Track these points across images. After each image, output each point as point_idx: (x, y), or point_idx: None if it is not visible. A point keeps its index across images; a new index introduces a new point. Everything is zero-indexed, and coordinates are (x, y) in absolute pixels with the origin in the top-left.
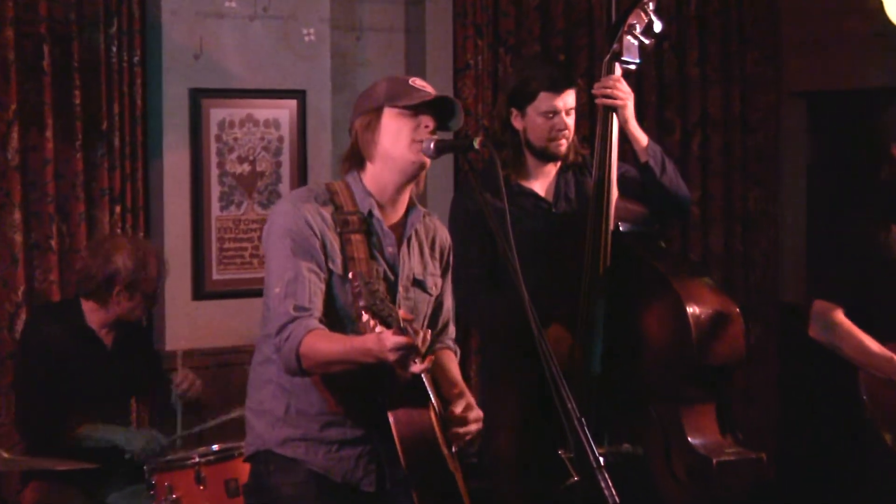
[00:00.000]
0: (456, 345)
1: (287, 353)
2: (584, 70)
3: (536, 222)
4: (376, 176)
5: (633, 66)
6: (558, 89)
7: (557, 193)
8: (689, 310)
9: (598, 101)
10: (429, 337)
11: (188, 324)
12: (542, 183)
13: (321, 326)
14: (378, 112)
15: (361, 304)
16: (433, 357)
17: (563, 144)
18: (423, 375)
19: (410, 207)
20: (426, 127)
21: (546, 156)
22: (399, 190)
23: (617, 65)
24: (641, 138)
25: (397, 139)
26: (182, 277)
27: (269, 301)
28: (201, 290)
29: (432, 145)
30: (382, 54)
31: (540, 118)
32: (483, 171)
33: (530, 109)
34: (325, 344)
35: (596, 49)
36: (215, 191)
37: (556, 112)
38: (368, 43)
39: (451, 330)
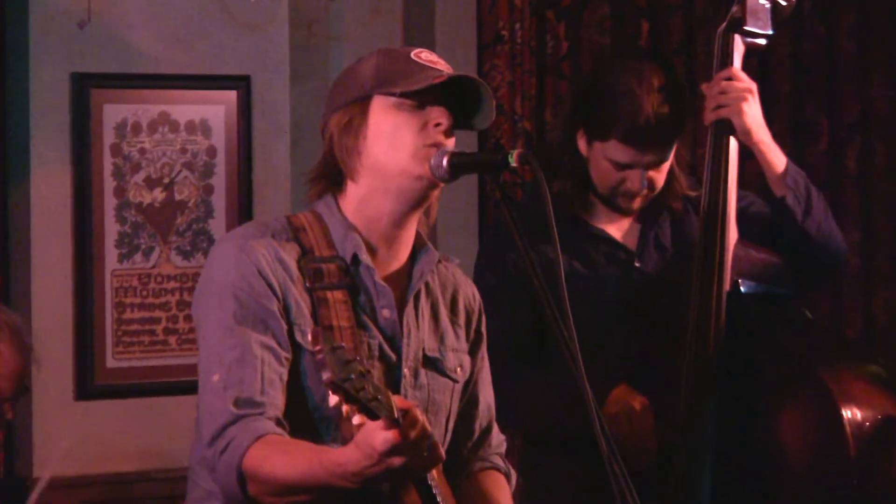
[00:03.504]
0: (508, 465)
1: (224, 471)
2: (677, 45)
3: (611, 280)
4: (363, 201)
5: (762, 41)
6: (640, 146)
7: (644, 239)
8: (846, 413)
9: (706, 116)
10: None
11: (68, 436)
12: (621, 224)
13: (278, 431)
14: (364, 103)
15: (326, 377)
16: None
17: (637, 203)
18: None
19: (419, 249)
20: (437, 126)
21: (613, 208)
22: (398, 222)
23: (737, 38)
24: (776, 161)
25: (393, 145)
26: (59, 366)
27: (204, 395)
28: (88, 384)
29: (444, 161)
30: (368, 23)
31: (606, 164)
32: (524, 201)
33: (597, 146)
34: (281, 458)
35: (695, 13)
36: (111, 231)
37: (630, 167)
38: (347, 6)
39: (497, 439)
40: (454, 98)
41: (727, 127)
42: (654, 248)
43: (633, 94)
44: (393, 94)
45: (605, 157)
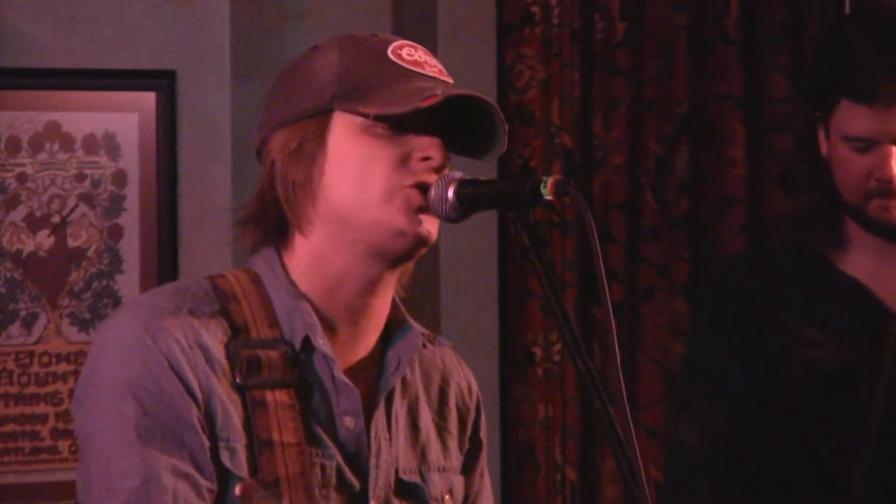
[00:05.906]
0: None
1: None
2: (779, 28)
3: (855, 350)
4: (318, 260)
5: None
6: (873, 98)
7: None
8: None
9: None
10: None
11: None
12: (883, 268)
13: None
14: (321, 120)
15: None
16: None
17: None
18: None
19: (394, 325)
20: (425, 160)
21: (868, 224)
22: (369, 288)
23: None
24: None
25: (361, 184)
26: None
27: None
28: None
29: (450, 193)
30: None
31: (844, 148)
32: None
33: (832, 126)
34: None
35: None
36: None
37: (873, 143)
38: None
39: None
40: (449, 115)
41: None
42: None
43: (861, 41)
44: (361, 114)
45: (842, 140)
